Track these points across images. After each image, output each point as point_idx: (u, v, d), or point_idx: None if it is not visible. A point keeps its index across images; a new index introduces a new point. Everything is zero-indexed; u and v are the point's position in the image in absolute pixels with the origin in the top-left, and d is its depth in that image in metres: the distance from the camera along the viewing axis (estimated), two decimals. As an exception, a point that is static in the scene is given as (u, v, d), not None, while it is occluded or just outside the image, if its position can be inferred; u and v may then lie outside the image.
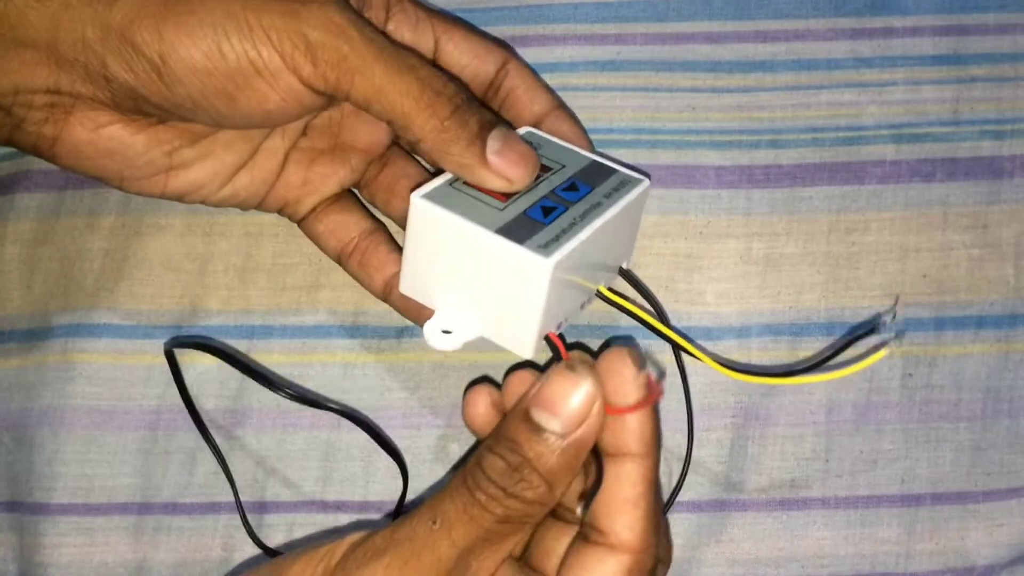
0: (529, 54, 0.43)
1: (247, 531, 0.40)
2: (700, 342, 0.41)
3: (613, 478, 0.32)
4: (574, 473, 0.32)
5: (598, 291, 0.37)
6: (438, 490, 0.32)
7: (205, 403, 0.41)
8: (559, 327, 0.36)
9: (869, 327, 0.36)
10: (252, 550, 0.40)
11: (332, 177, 0.40)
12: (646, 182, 0.37)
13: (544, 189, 0.36)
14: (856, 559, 0.40)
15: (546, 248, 0.33)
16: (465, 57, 0.39)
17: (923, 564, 0.40)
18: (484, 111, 0.35)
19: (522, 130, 0.39)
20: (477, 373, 0.41)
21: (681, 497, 0.40)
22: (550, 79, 0.42)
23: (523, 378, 0.34)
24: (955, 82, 0.44)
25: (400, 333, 0.42)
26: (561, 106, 0.40)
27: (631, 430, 0.32)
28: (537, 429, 0.31)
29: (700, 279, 0.42)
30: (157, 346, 0.41)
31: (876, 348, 0.35)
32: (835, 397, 0.41)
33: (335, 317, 0.42)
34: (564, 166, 0.37)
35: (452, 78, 0.36)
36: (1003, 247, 0.42)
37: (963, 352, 0.41)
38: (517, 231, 0.34)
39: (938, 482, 0.40)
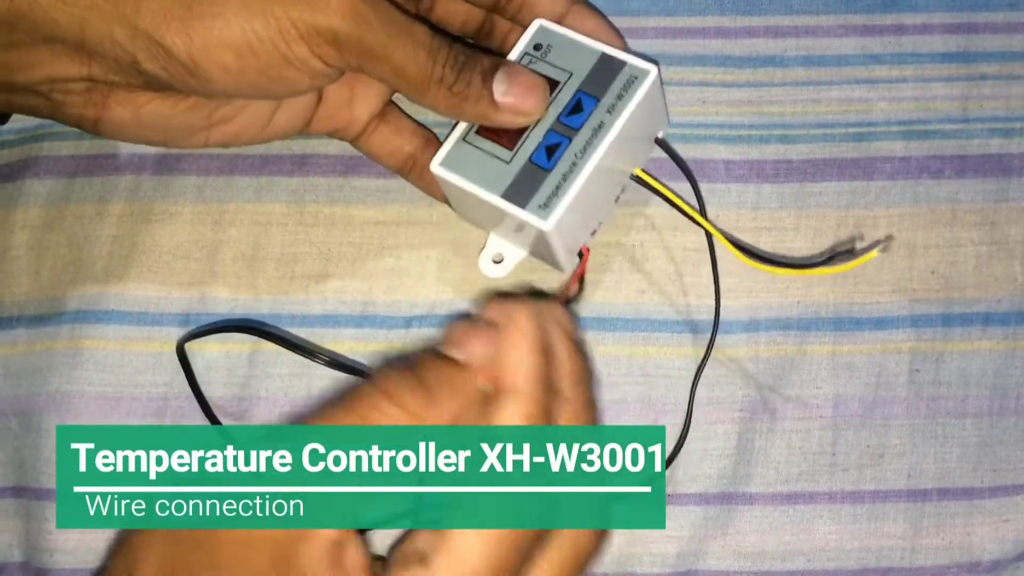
0: (540, 46, 0.43)
1: None
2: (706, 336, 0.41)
3: None
4: None
5: (634, 175, 0.40)
6: None
7: (212, 392, 0.41)
8: (594, 233, 0.40)
9: (848, 247, 0.39)
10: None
11: (371, 91, 0.41)
12: (652, 73, 0.38)
13: (549, 118, 0.38)
14: (862, 553, 0.40)
15: (547, 208, 0.37)
16: None
17: (929, 559, 0.40)
18: (483, 59, 0.37)
19: (533, 25, 0.39)
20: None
21: (687, 490, 0.40)
22: (561, 71, 0.42)
23: None
24: (965, 79, 0.44)
25: (408, 323, 0.42)
26: (580, 1, 0.40)
27: None
28: None
29: (708, 273, 0.42)
30: (165, 333, 0.42)
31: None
32: (842, 392, 0.41)
33: (344, 306, 0.42)
34: (571, 74, 0.38)
35: (443, 33, 0.37)
36: (1011, 245, 0.42)
37: (970, 349, 0.41)
38: (522, 188, 0.37)
39: (944, 478, 0.40)
